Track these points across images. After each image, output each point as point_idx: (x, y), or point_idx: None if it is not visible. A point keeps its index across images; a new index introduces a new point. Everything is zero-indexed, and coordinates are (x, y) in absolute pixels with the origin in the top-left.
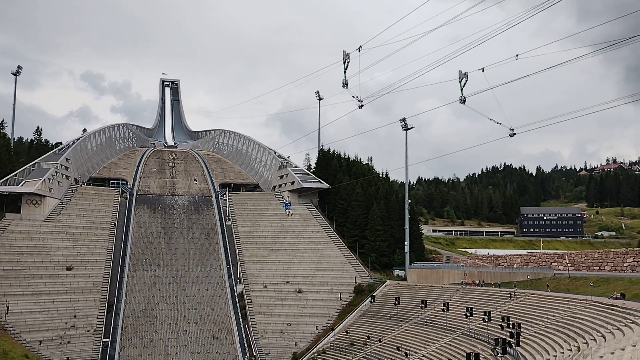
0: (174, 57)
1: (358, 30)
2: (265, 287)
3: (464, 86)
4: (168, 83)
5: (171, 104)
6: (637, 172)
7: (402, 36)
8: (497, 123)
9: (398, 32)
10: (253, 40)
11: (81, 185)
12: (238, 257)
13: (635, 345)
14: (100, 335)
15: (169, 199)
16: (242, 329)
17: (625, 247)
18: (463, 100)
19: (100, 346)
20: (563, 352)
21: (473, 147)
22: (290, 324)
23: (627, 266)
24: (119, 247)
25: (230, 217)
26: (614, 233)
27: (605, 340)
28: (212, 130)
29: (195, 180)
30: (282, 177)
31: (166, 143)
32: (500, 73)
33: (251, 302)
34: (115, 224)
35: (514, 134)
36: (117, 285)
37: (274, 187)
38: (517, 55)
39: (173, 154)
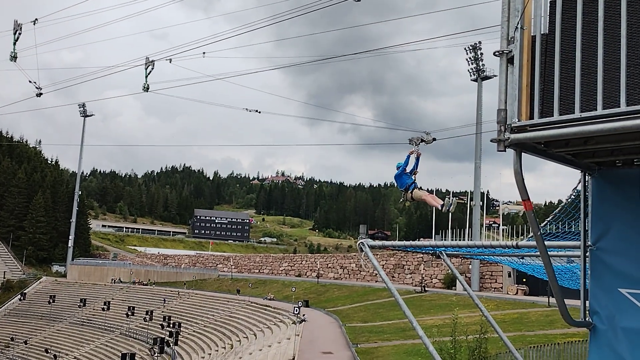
0: None
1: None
2: None
3: (149, 73)
4: None
5: None
6: (299, 186)
7: (93, 17)
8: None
9: (87, 10)
10: None
11: None
12: None
13: (280, 342)
14: None
15: None
16: None
17: (283, 252)
18: (147, 89)
19: None
20: (217, 350)
21: (157, 146)
22: None
23: (282, 270)
24: None
25: None
26: (275, 239)
27: (256, 337)
28: None
29: None
30: None
31: None
32: (194, 76)
33: None
34: None
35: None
36: None
37: None
38: (204, 53)
39: None
